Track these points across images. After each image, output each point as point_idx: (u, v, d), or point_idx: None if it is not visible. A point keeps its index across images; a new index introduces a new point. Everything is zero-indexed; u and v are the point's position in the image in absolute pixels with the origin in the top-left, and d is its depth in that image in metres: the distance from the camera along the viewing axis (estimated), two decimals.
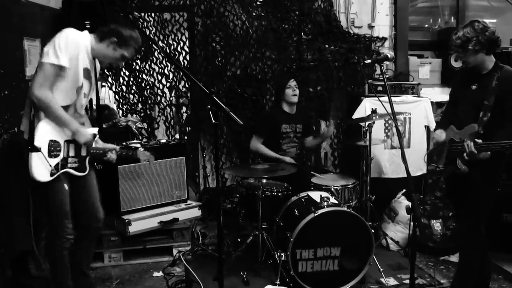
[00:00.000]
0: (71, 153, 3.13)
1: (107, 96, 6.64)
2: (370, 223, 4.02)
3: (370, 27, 5.78)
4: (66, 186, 3.07)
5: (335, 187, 4.16)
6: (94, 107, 4.16)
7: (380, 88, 5.09)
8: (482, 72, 3.27)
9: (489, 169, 3.24)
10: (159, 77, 5.53)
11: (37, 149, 2.91)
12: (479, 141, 3.11)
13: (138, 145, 3.70)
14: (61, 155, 3.06)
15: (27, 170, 2.93)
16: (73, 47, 2.97)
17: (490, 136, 3.13)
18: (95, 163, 3.68)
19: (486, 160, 3.15)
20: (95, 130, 3.29)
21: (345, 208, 3.73)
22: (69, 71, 2.97)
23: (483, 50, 3.15)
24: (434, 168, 3.62)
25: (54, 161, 3.01)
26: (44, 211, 3.21)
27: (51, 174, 2.99)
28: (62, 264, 3.22)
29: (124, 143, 4.29)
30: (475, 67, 3.27)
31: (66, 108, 3.05)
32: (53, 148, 3.01)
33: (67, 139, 3.09)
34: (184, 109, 5.73)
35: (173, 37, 5.46)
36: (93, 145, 3.23)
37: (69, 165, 3.11)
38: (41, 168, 2.94)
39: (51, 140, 3.00)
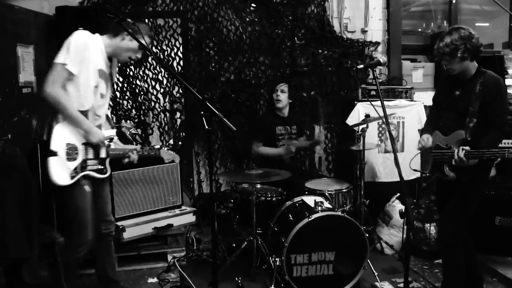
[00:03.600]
0: (90, 155, 3.13)
1: None
2: (364, 227, 4.03)
3: (363, 31, 5.81)
4: (87, 188, 3.08)
5: (329, 192, 4.17)
6: None
7: (373, 93, 5.11)
8: (465, 78, 3.28)
9: (478, 173, 3.26)
10: (153, 83, 5.54)
11: (54, 153, 2.92)
12: (467, 148, 3.13)
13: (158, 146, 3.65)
14: (80, 158, 3.06)
15: (23, 176, 2.92)
16: (83, 49, 2.97)
17: (478, 142, 3.16)
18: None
19: (474, 164, 3.18)
20: (112, 132, 3.29)
21: (339, 213, 3.73)
22: (80, 74, 2.99)
23: (469, 57, 3.16)
24: (420, 174, 3.67)
25: (72, 164, 3.02)
26: (64, 216, 3.22)
27: (71, 177, 3.01)
28: (67, 270, 3.24)
29: None
30: (458, 74, 3.28)
31: (86, 112, 3.06)
32: (70, 152, 3.01)
33: (84, 142, 3.09)
34: (178, 114, 5.73)
35: (166, 42, 5.47)
36: (112, 146, 3.24)
37: (89, 167, 3.12)
38: (60, 171, 2.96)
39: (67, 144, 3.00)
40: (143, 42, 3.04)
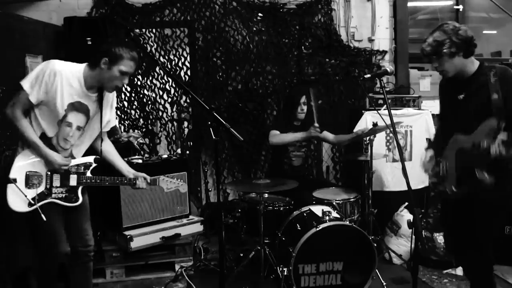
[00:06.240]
0: (56, 183, 3.03)
1: None
2: (372, 237, 4.01)
3: (370, 40, 5.81)
4: (44, 217, 2.93)
5: (337, 201, 4.15)
6: None
7: (381, 101, 5.10)
8: (465, 77, 2.94)
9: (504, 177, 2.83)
10: (161, 93, 5.56)
11: (11, 181, 2.87)
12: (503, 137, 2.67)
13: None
14: (42, 186, 2.99)
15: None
16: (50, 80, 2.86)
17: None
18: None
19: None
20: (90, 158, 3.17)
21: (347, 222, 3.72)
22: (43, 103, 2.91)
23: (459, 53, 2.83)
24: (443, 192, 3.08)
25: (32, 192, 2.94)
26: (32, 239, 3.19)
27: (29, 205, 2.93)
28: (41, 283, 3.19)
29: (126, 159, 4.27)
30: (456, 75, 2.94)
31: (50, 139, 2.98)
32: (31, 179, 2.95)
33: (50, 169, 3.01)
34: (185, 124, 5.74)
35: (174, 52, 5.50)
36: (88, 174, 3.13)
37: (53, 195, 3.02)
38: (16, 199, 2.90)
39: (29, 171, 2.95)
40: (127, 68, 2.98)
